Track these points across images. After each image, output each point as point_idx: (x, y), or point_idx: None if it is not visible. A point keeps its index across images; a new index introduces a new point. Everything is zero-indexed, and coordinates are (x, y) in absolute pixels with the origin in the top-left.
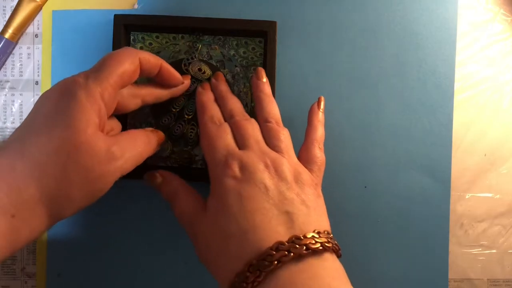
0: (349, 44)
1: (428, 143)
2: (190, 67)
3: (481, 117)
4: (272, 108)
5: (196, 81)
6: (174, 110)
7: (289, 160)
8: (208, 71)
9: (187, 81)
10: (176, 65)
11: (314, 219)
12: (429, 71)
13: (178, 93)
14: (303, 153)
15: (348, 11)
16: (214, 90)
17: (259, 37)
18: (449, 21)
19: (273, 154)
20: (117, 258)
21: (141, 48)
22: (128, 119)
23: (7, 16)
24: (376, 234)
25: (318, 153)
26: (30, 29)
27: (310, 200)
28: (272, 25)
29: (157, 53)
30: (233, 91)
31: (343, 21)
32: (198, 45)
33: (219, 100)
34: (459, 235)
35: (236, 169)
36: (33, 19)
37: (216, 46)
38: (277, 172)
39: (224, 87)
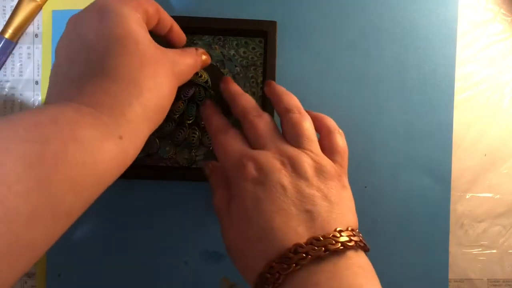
0: (349, 44)
1: (428, 143)
2: None
3: (481, 117)
4: (291, 99)
5: (194, 85)
6: (174, 116)
7: (310, 154)
8: (205, 75)
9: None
10: None
11: (337, 215)
12: (429, 71)
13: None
14: (322, 143)
15: (348, 11)
16: (224, 93)
17: (259, 37)
18: (449, 21)
19: (290, 150)
20: (117, 258)
21: None
22: None
23: (7, 16)
24: (376, 234)
25: (339, 140)
26: (30, 29)
27: (333, 194)
28: (272, 25)
29: None
30: None
31: (343, 21)
32: None
33: (230, 102)
34: (459, 235)
35: (252, 170)
36: (33, 19)
37: (216, 46)
38: (295, 169)
39: (233, 87)
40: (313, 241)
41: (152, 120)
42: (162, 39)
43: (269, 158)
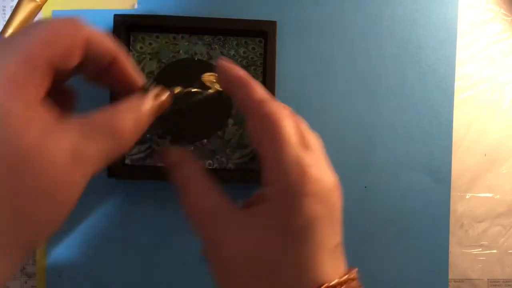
0: (349, 44)
1: (428, 143)
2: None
3: (481, 117)
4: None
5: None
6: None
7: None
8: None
9: (165, 97)
10: (177, 66)
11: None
12: (429, 71)
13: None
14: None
15: (348, 11)
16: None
17: (259, 37)
18: (449, 21)
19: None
20: (116, 258)
21: (141, 48)
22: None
23: (7, 16)
24: (376, 234)
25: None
26: None
27: None
28: (272, 25)
29: (157, 53)
30: None
31: (343, 21)
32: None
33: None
34: (459, 235)
35: (312, 184)
36: (33, 19)
37: (216, 46)
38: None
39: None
40: (349, 280)
41: (17, 237)
42: (114, 83)
43: (327, 170)
